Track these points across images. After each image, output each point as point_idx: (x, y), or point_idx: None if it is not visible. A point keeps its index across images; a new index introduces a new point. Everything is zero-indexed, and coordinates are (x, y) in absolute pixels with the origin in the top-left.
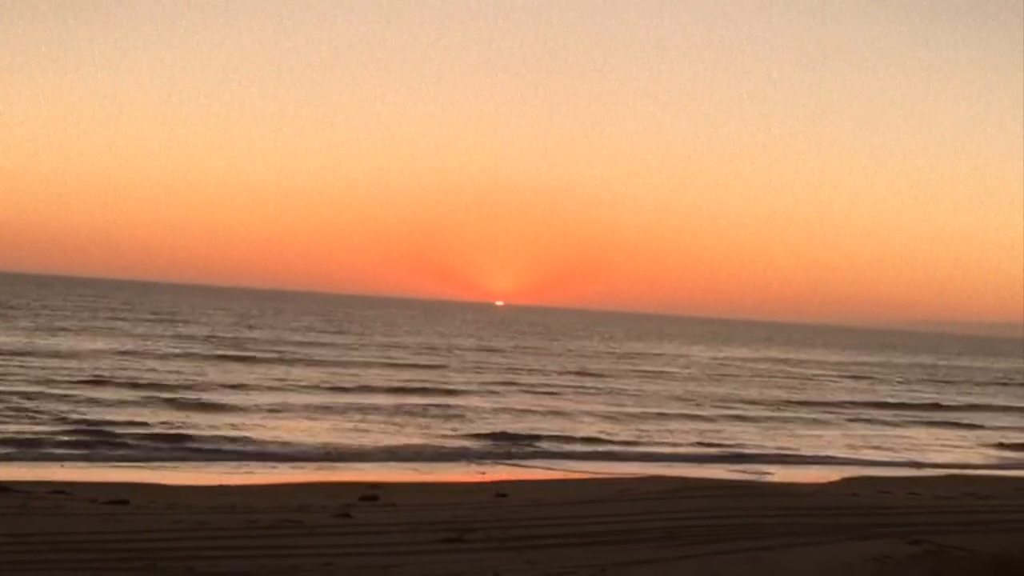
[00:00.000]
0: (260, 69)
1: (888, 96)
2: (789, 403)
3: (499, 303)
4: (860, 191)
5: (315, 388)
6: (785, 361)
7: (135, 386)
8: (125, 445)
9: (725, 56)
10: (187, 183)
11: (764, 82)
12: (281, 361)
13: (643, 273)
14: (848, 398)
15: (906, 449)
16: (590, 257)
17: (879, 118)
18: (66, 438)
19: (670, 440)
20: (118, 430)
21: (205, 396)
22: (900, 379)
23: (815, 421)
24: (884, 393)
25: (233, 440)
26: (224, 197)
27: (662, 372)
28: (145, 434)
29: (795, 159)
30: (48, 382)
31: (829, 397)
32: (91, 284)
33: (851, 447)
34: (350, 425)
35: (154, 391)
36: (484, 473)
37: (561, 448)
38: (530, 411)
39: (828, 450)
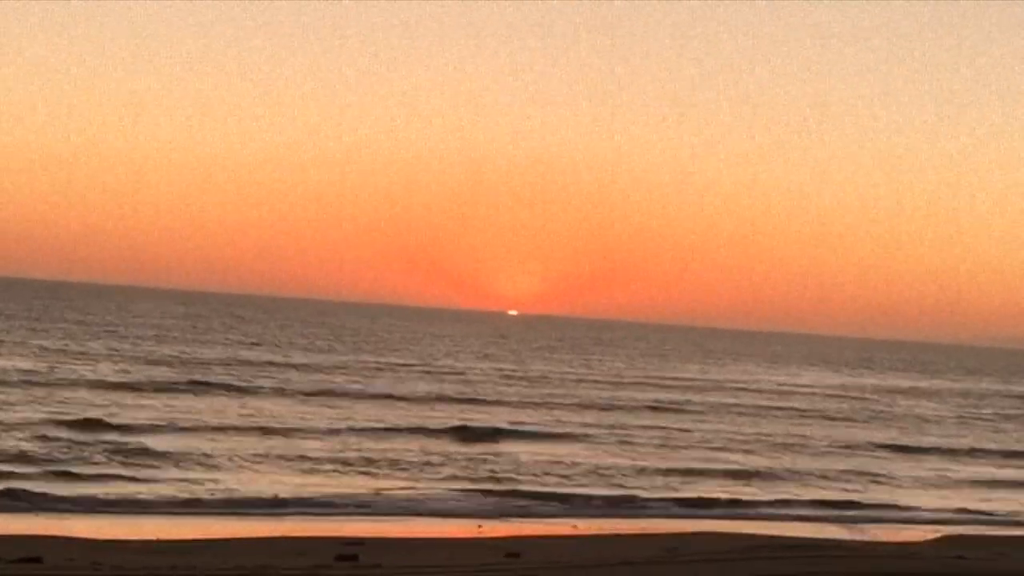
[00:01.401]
0: (218, 30)
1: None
2: (898, 447)
3: (512, 312)
4: (957, 188)
5: (282, 428)
6: (879, 390)
7: (54, 423)
8: (41, 492)
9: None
10: (121, 163)
11: (840, 51)
12: (239, 390)
13: (679, 279)
14: (973, 443)
15: None
16: (620, 258)
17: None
18: None
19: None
20: (30, 481)
21: (140, 436)
22: None
23: (928, 471)
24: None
25: (176, 487)
26: (167, 180)
27: (733, 406)
28: (64, 475)
29: (883, 149)
30: None
31: (944, 440)
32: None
33: (959, 497)
34: (324, 474)
35: (79, 430)
36: (484, 527)
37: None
38: (578, 462)
39: (929, 501)
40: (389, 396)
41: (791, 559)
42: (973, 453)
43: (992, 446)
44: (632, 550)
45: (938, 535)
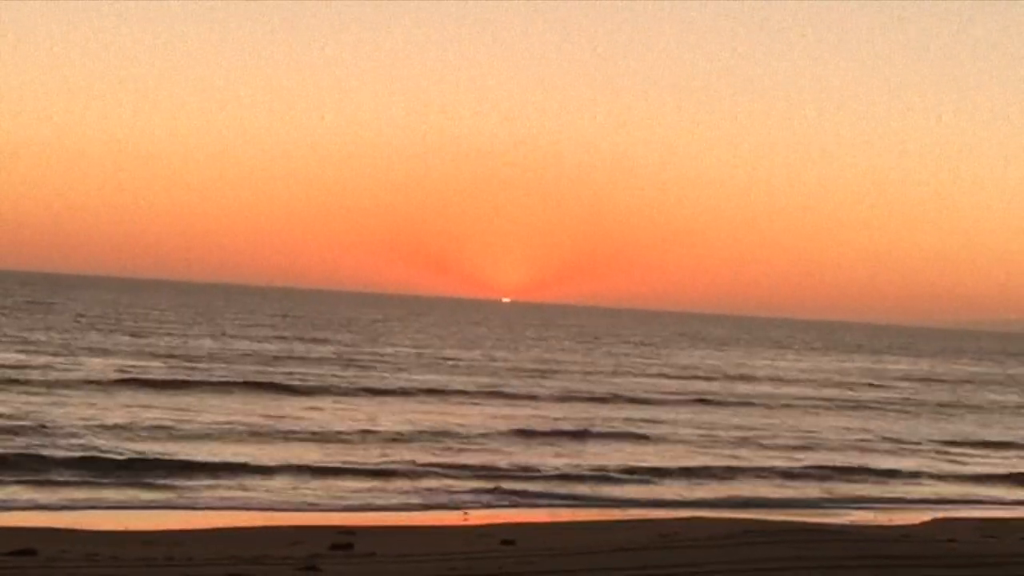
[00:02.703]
0: (208, 23)
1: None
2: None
3: (505, 300)
4: (928, 171)
5: (274, 429)
6: (883, 374)
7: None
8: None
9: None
10: (110, 155)
11: (831, 40)
12: (230, 385)
13: (669, 266)
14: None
15: None
16: (611, 246)
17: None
18: None
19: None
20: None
21: (131, 438)
22: None
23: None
24: None
25: (171, 482)
26: (148, 168)
27: (743, 398)
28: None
29: (859, 132)
30: None
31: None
32: None
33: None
34: (327, 477)
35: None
36: (470, 515)
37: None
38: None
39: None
40: (399, 393)
41: (785, 543)
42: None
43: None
44: (626, 536)
45: (929, 518)
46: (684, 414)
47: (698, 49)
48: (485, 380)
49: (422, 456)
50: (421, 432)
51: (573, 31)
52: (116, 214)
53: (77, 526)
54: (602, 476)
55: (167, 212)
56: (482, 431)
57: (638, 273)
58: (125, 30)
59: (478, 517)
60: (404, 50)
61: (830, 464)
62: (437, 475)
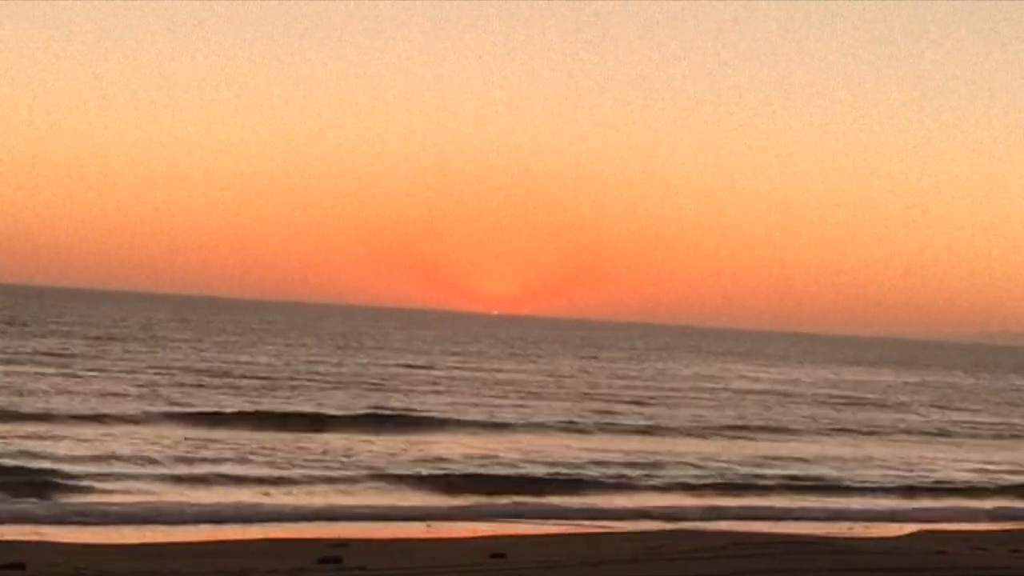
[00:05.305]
0: (200, 31)
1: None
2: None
3: (494, 312)
4: (903, 184)
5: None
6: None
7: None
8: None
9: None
10: (91, 161)
11: (812, 52)
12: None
13: (658, 278)
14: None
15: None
16: (595, 259)
17: (936, 98)
18: None
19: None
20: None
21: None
22: None
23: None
24: None
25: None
26: (143, 178)
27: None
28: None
29: (837, 145)
30: None
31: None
32: None
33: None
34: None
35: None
36: (432, 527)
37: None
38: None
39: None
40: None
41: (775, 555)
42: None
43: None
44: (616, 549)
45: (913, 530)
46: None
47: (689, 56)
48: None
49: None
50: None
51: (563, 42)
52: (112, 225)
53: (66, 540)
54: None
55: (163, 223)
56: None
57: (626, 286)
58: (120, 38)
59: (468, 530)
60: (395, 64)
61: None
62: None
